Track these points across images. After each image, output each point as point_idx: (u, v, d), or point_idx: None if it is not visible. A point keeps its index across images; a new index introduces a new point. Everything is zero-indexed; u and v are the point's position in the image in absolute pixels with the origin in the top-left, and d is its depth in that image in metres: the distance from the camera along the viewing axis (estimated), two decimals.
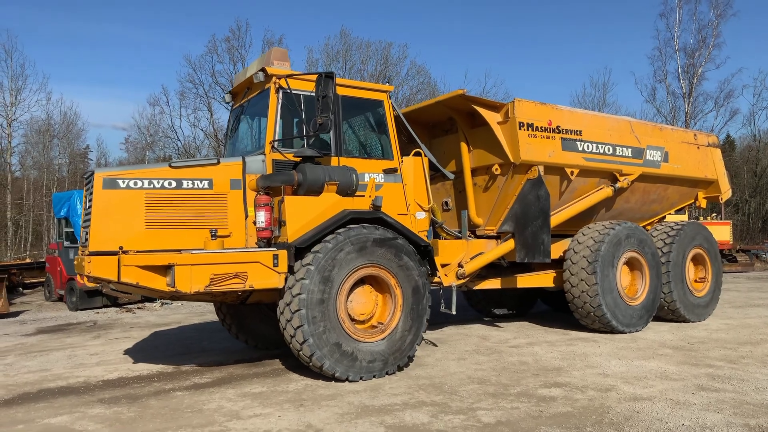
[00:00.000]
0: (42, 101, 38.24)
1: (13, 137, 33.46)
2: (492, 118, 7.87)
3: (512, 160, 7.79)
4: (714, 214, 22.80)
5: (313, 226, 5.98)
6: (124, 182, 5.80)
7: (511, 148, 7.77)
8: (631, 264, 8.86)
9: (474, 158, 8.31)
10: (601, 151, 8.63)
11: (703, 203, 10.53)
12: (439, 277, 7.06)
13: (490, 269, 8.97)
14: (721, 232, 21.04)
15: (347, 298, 6.09)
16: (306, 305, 5.70)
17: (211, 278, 5.59)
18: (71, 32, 51.08)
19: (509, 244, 8.19)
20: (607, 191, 8.80)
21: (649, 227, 10.12)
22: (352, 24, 63.38)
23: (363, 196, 6.71)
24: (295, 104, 6.50)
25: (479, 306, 10.40)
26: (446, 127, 8.72)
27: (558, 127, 8.12)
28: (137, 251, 5.65)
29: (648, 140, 9.24)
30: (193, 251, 5.69)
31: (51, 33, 49.82)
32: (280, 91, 6.45)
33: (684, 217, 21.63)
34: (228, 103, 7.62)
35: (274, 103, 6.43)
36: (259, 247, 6.08)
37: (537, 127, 7.90)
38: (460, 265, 7.98)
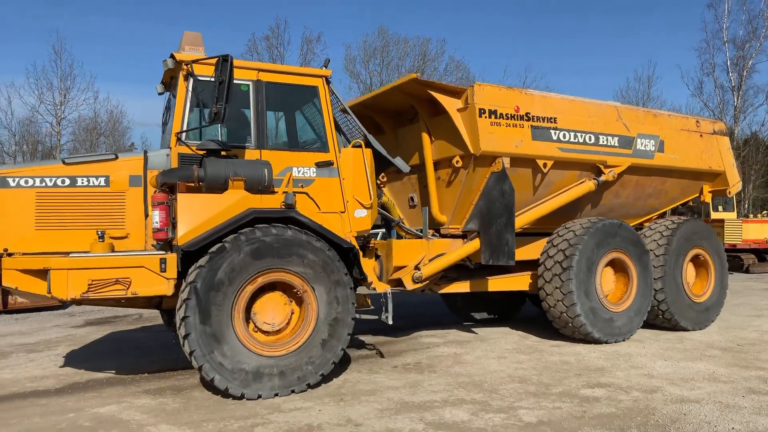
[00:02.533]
0: (89, 100, 39.53)
1: (62, 135, 34.49)
2: (451, 104, 7.10)
3: (472, 152, 7.02)
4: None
5: (211, 227, 5.38)
6: (14, 180, 5.35)
7: (471, 138, 6.99)
8: (616, 266, 7.97)
9: (436, 150, 7.56)
10: (581, 141, 7.75)
11: (708, 197, 9.48)
12: (371, 282, 6.34)
13: (463, 271, 8.24)
14: (762, 231, 19.61)
15: (244, 307, 5.45)
16: (194, 314, 5.12)
17: (90, 284, 5.06)
18: (116, 32, 51.75)
19: (474, 244, 7.41)
20: (588, 185, 7.92)
21: (647, 224, 9.16)
22: (390, 20, 62.50)
23: (297, 192, 6.11)
24: (208, 92, 5.91)
25: (457, 310, 9.62)
26: (410, 116, 7.98)
27: (527, 113, 7.29)
28: (23, 253, 5.17)
29: (639, 128, 8.30)
30: (72, 254, 5.17)
31: (97, 33, 50.40)
32: (190, 79, 5.86)
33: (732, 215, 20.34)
34: (160, 93, 7.08)
35: (182, 91, 5.85)
36: (157, 249, 5.53)
37: (501, 114, 7.09)
38: (417, 268, 7.26)
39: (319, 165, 6.35)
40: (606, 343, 7.57)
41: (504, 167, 7.03)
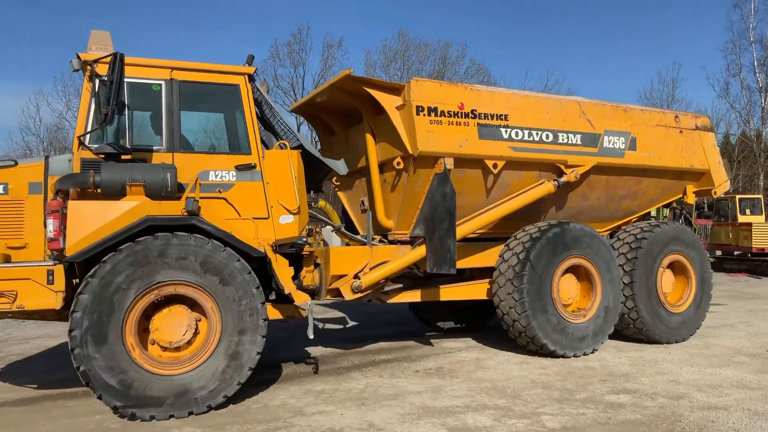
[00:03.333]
0: None
1: None
2: (390, 102, 6.66)
3: (411, 152, 6.55)
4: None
5: (103, 236, 5.05)
6: None
7: (409, 138, 6.54)
8: (579, 274, 7.39)
9: (380, 151, 7.12)
10: (537, 139, 7.20)
11: (691, 198, 8.79)
12: (289, 292, 5.92)
13: (419, 278, 7.79)
14: None
15: (136, 322, 5.09)
16: (80, 334, 4.82)
17: None
18: (139, 38, 52.55)
19: (420, 251, 6.93)
20: (547, 187, 7.36)
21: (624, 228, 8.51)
22: (410, 25, 62.25)
23: (213, 197, 5.79)
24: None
25: (423, 318, 9.13)
26: (359, 116, 7.55)
27: (473, 111, 6.79)
28: None
29: (606, 124, 7.71)
30: None
31: (119, 41, 51.17)
32: (95, 79, 5.56)
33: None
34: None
35: (86, 92, 5.55)
36: (53, 260, 5.22)
37: (443, 111, 6.61)
38: (356, 277, 6.82)
39: (240, 168, 5.99)
40: (564, 357, 7.01)
41: (445, 169, 6.55)
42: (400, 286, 7.79)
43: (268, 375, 6.48)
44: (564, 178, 7.41)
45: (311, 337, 5.88)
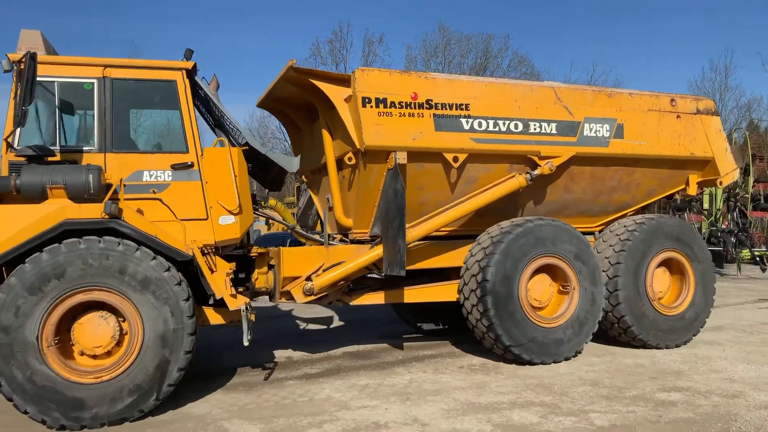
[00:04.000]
0: None
1: None
2: (337, 95, 6.30)
3: (358, 147, 6.18)
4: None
5: (20, 242, 4.92)
6: None
7: (356, 132, 6.16)
8: (553, 273, 6.84)
9: (337, 146, 6.78)
10: (503, 129, 6.68)
11: (694, 189, 8.01)
12: (221, 297, 5.64)
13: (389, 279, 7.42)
14: None
15: (53, 331, 4.92)
16: None
17: None
18: (181, 42, 53.80)
19: (378, 251, 6.54)
20: (518, 181, 6.82)
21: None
22: (451, 18, 61.27)
23: (147, 198, 5.63)
24: (41, 92, 5.49)
25: (406, 318, 8.74)
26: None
27: (429, 101, 6.34)
28: None
29: (587, 111, 7.08)
30: None
31: (168, 43, 52.56)
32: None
33: None
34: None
35: (13, 93, 5.44)
36: None
37: (393, 102, 6.19)
38: (308, 279, 6.52)
39: (176, 167, 5.79)
40: (531, 363, 6.50)
41: (396, 164, 6.15)
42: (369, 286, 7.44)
43: (316, 368, 6.72)
44: (538, 171, 6.85)
45: (246, 344, 5.62)
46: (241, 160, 6.07)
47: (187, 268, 5.63)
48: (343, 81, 6.32)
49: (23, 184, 5.14)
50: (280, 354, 7.43)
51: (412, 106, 6.27)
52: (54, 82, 5.58)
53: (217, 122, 6.64)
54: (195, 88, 6.20)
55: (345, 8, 54.68)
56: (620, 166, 7.42)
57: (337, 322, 9.68)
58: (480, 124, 6.55)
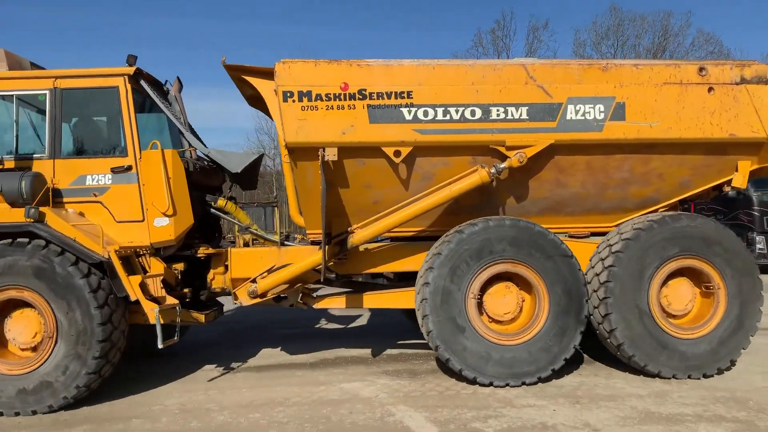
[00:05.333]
0: None
1: None
2: (268, 89, 6.00)
3: (286, 144, 5.84)
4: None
5: None
6: None
7: (281, 128, 5.82)
8: (522, 283, 5.87)
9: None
10: (455, 117, 5.83)
11: (742, 180, 6.30)
12: (136, 299, 5.66)
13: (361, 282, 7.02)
14: None
15: None
16: None
17: None
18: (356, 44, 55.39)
19: (319, 254, 6.17)
20: (480, 175, 5.93)
21: None
22: None
23: (89, 201, 5.96)
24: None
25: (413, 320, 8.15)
26: None
27: (362, 90, 5.76)
28: None
29: (571, 90, 5.91)
30: None
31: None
32: None
33: None
34: None
35: None
36: None
37: (319, 95, 5.73)
38: (254, 281, 6.36)
39: (115, 171, 6.03)
40: (484, 385, 5.66)
41: (322, 160, 5.71)
42: (346, 289, 7.08)
43: None
44: (505, 164, 5.90)
45: (160, 346, 5.66)
46: (176, 162, 6.10)
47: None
48: (270, 74, 5.97)
49: None
50: None
51: (342, 97, 5.74)
52: (12, 95, 6.08)
53: (189, 126, 6.77)
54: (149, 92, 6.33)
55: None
56: (627, 154, 6.10)
57: None
58: (426, 113, 5.81)
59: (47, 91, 6.09)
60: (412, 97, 5.79)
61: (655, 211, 6.57)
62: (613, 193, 6.40)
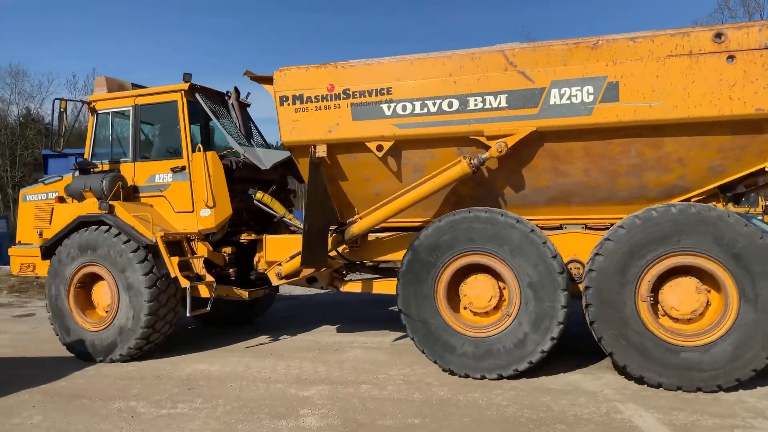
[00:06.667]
0: None
1: None
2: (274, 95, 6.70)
3: (282, 143, 6.51)
4: None
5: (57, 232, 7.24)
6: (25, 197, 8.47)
7: (280, 128, 6.48)
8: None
9: None
10: (433, 110, 5.88)
11: None
12: (175, 276, 6.81)
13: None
14: None
15: (76, 293, 7.08)
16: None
17: (20, 265, 7.75)
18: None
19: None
20: (461, 167, 5.89)
21: None
22: None
23: (156, 196, 7.41)
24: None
25: None
26: None
27: (345, 90, 6.13)
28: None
29: (556, 73, 5.53)
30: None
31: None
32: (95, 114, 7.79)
33: None
34: None
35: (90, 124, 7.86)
36: None
37: (310, 97, 6.25)
38: (280, 264, 7.18)
39: (174, 170, 7.35)
40: (456, 374, 5.71)
41: (311, 157, 6.25)
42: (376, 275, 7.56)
43: None
44: (487, 154, 5.79)
45: (188, 314, 6.82)
46: (215, 162, 7.18)
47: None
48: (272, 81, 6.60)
49: (71, 189, 7.45)
50: None
51: (329, 98, 6.19)
52: (108, 113, 7.76)
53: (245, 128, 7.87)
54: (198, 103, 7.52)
55: None
56: (630, 138, 5.51)
57: None
58: (404, 108, 5.96)
59: (131, 108, 7.61)
60: (391, 93, 6.00)
61: (688, 200, 5.78)
62: (626, 181, 5.81)
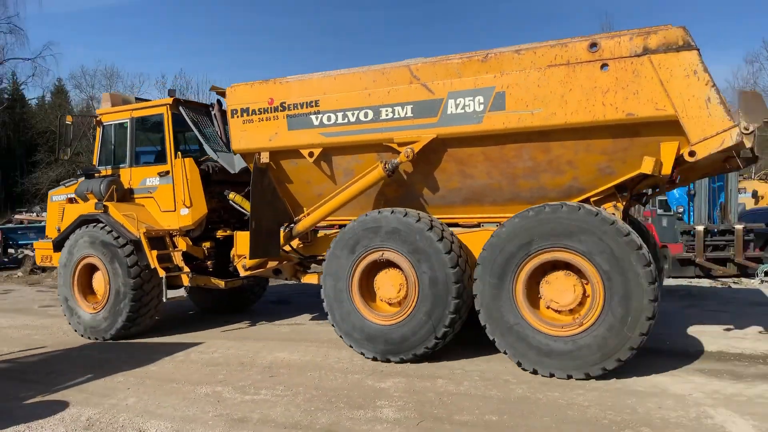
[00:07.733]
0: None
1: None
2: None
3: (233, 150, 7.42)
4: None
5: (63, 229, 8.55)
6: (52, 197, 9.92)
7: (231, 138, 7.39)
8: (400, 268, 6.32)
9: None
10: (352, 120, 6.55)
11: (663, 166, 5.47)
12: (155, 267, 7.83)
13: None
14: None
15: (78, 279, 8.32)
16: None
17: (41, 257, 9.18)
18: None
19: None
20: (378, 171, 6.53)
21: None
22: None
23: (147, 197, 8.57)
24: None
25: None
26: None
27: (282, 103, 6.92)
28: None
29: (452, 84, 6.05)
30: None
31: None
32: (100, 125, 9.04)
33: None
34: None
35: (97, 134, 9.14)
36: None
37: (254, 110, 7.09)
38: (245, 257, 8.10)
39: (160, 175, 8.47)
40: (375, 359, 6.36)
41: (256, 162, 7.10)
42: None
43: None
44: (398, 159, 6.40)
45: (164, 300, 7.89)
46: (192, 167, 8.21)
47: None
48: None
49: (78, 192, 8.74)
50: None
51: (269, 110, 7.01)
52: (111, 125, 8.99)
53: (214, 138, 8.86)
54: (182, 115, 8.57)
55: None
56: (521, 143, 5.95)
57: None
58: (329, 118, 6.67)
59: (128, 120, 8.79)
60: (318, 105, 6.74)
61: (587, 200, 6.13)
62: (525, 183, 6.23)
